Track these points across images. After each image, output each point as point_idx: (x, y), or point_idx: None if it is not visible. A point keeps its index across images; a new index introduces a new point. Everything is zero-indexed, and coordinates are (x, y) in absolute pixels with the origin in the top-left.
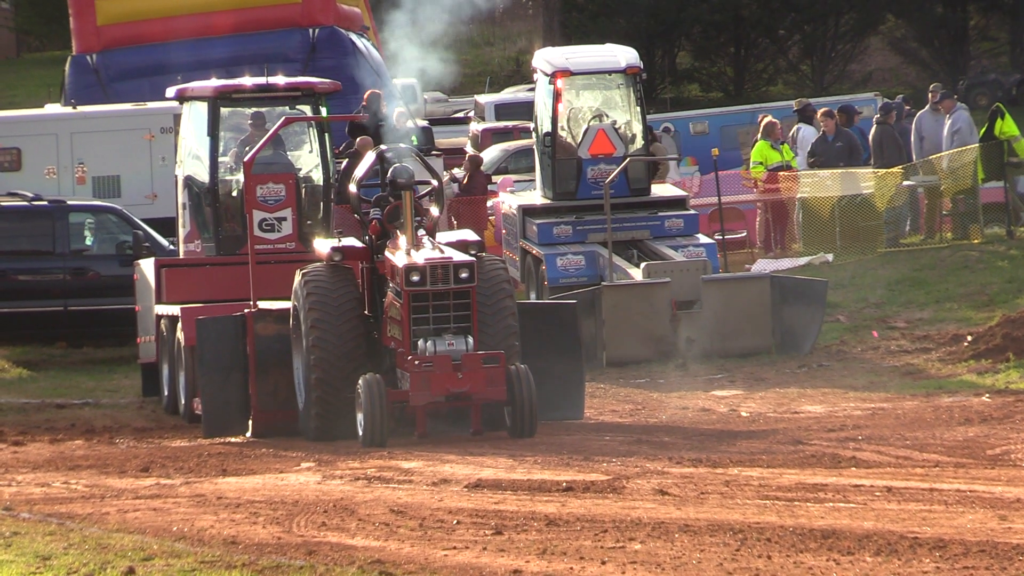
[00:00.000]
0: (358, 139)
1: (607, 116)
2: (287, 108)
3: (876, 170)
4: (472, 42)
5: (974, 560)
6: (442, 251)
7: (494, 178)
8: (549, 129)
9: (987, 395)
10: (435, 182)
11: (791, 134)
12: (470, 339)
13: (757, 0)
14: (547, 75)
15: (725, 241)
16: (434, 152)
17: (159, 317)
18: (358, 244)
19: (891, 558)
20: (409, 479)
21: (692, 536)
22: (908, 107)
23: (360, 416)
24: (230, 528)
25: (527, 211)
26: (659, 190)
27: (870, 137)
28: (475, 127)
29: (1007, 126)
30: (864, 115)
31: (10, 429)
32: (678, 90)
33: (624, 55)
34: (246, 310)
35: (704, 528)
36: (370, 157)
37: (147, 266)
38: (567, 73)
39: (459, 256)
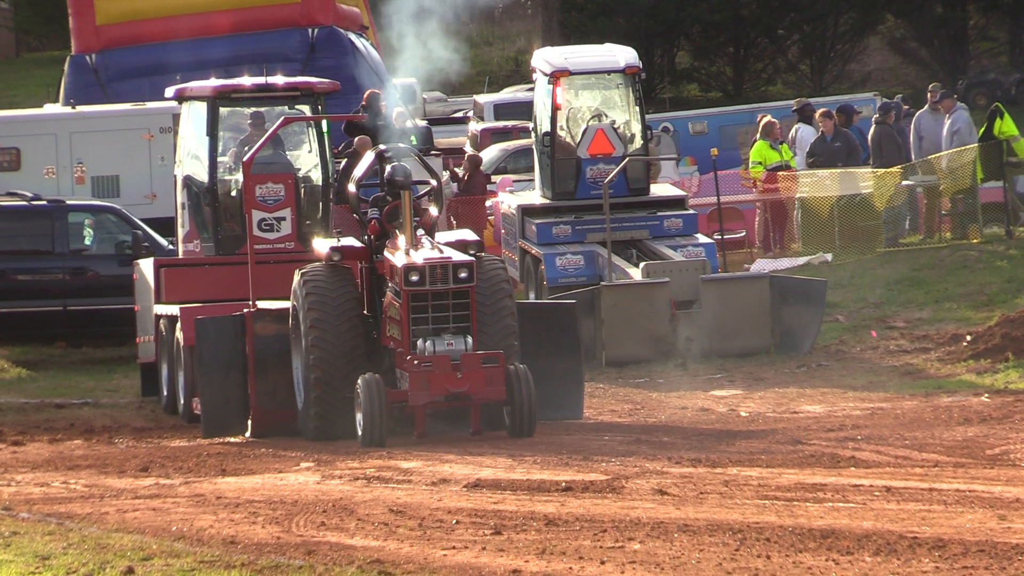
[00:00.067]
0: (356, 139)
1: (606, 116)
2: (286, 108)
3: (875, 170)
4: (471, 42)
5: (973, 560)
6: (441, 251)
7: (493, 178)
8: (548, 129)
9: (986, 395)
10: (434, 182)
11: (791, 135)
12: (469, 339)
13: (756, 0)
14: (546, 75)
15: (724, 241)
16: (433, 152)
17: (158, 317)
18: (357, 244)
19: (890, 558)
20: (408, 479)
21: (691, 536)
22: (907, 107)
23: (359, 416)
24: (229, 528)
25: (526, 211)
26: (658, 190)
27: (869, 137)
28: (474, 127)
29: (1006, 126)
30: (863, 115)
31: (9, 429)
32: (677, 90)
33: (623, 55)
34: (245, 310)
35: (703, 528)
36: (369, 157)
37: (146, 266)
38: (566, 73)
39: (458, 256)
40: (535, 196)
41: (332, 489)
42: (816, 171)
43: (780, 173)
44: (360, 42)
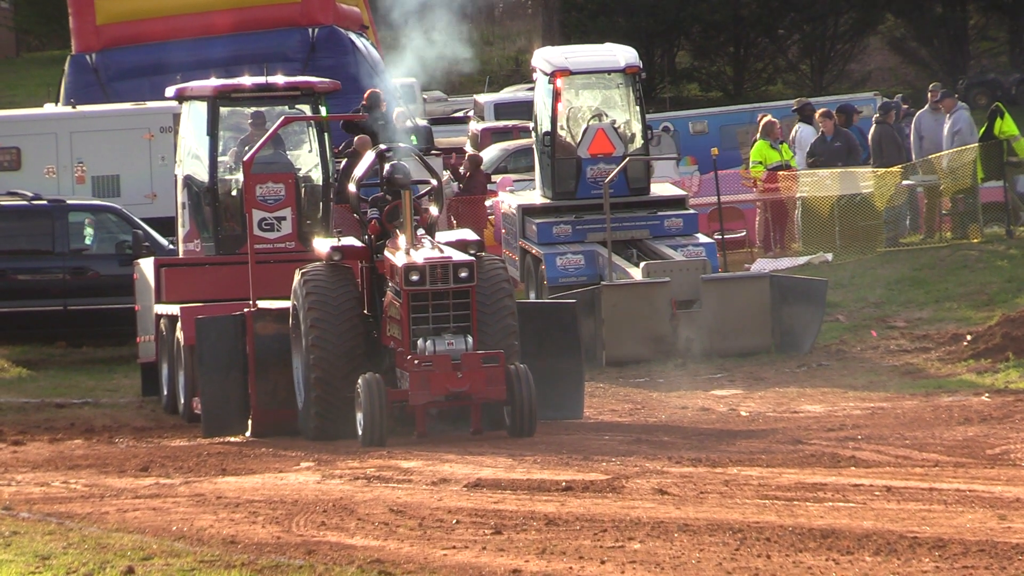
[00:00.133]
0: (356, 138)
1: (606, 115)
2: (286, 108)
3: (875, 170)
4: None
5: (973, 560)
6: (441, 251)
7: (493, 177)
8: (549, 129)
9: (987, 395)
10: (434, 181)
11: (791, 135)
12: (469, 339)
13: (756, 0)
14: (546, 74)
15: (724, 241)
16: (433, 152)
17: (158, 316)
18: (357, 243)
19: (890, 558)
20: (408, 479)
21: (691, 536)
22: (906, 107)
23: (359, 415)
24: (229, 527)
25: (526, 210)
26: (658, 190)
27: (869, 137)
28: (474, 126)
29: (1006, 125)
30: (864, 115)
31: (10, 428)
32: (677, 89)
33: (623, 54)
34: (246, 309)
35: (703, 527)
36: (369, 156)
37: (147, 265)
38: (566, 72)
39: (458, 256)
40: (535, 196)
41: (332, 489)
42: (816, 171)
43: (780, 173)
44: (360, 41)
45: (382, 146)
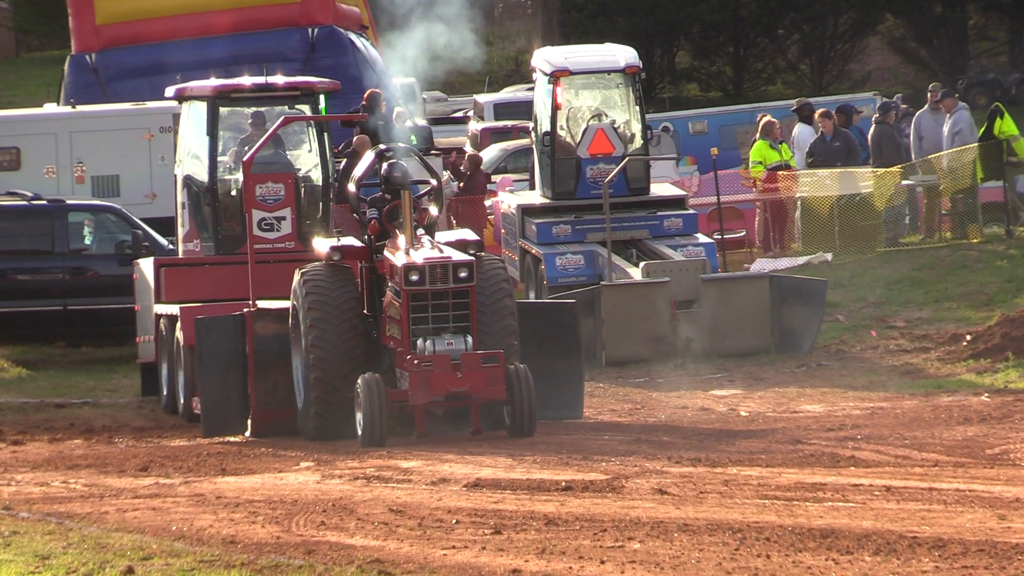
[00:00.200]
0: (355, 138)
1: (606, 115)
2: (286, 108)
3: (875, 170)
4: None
5: (973, 559)
6: (441, 251)
7: (493, 177)
8: (548, 129)
9: (986, 394)
10: (434, 181)
11: (792, 136)
12: (469, 338)
13: (756, 0)
14: (546, 74)
15: (724, 241)
16: (433, 152)
17: (158, 316)
18: (357, 243)
19: (890, 557)
20: (408, 478)
21: (691, 535)
22: (904, 106)
23: (359, 415)
24: (229, 527)
25: (526, 210)
26: (658, 190)
27: (869, 137)
28: (474, 126)
29: (1006, 125)
30: (864, 115)
31: (9, 428)
32: (677, 89)
33: (623, 54)
34: (245, 309)
35: (703, 527)
36: (369, 156)
37: (146, 265)
38: (566, 72)
39: (458, 255)
40: (535, 196)
41: (332, 489)
42: (816, 171)
43: (780, 173)
44: (360, 41)
45: (381, 146)
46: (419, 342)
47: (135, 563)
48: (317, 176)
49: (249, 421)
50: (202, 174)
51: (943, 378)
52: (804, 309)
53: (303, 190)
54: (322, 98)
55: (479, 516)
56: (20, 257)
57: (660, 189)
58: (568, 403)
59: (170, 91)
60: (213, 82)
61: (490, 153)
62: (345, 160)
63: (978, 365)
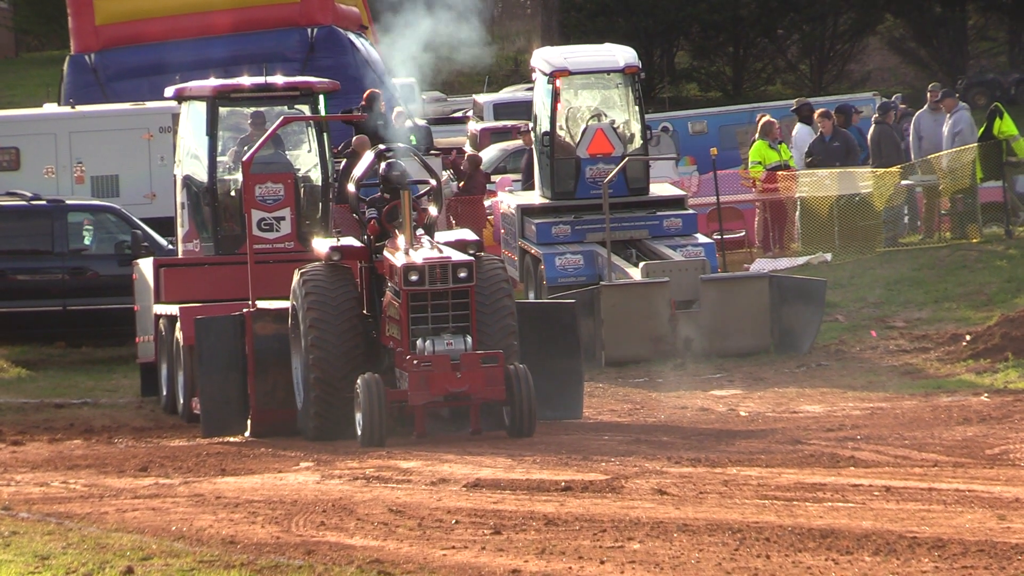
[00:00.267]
0: (354, 138)
1: (605, 116)
2: (286, 108)
3: (874, 170)
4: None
5: (973, 560)
6: (441, 251)
7: (492, 177)
8: (548, 129)
9: (986, 395)
10: (434, 181)
11: (791, 137)
12: (469, 339)
13: (756, 0)
14: (546, 75)
15: (724, 241)
16: (433, 152)
17: (158, 317)
18: (357, 243)
19: (890, 558)
20: (408, 479)
21: (691, 536)
22: (904, 106)
23: (359, 416)
24: (229, 528)
25: (526, 211)
26: (658, 190)
27: (868, 137)
28: (473, 126)
29: (1006, 126)
30: (864, 115)
31: (9, 429)
32: (677, 89)
33: (623, 55)
34: (245, 310)
35: (703, 528)
36: (369, 156)
37: (146, 266)
38: (566, 73)
39: (458, 256)
40: (534, 196)
41: (332, 489)
42: (816, 171)
43: (779, 173)
44: (359, 41)
45: (381, 146)
46: (418, 342)
47: (135, 563)
48: (316, 176)
49: (249, 421)
50: (201, 174)
51: (943, 378)
52: (804, 309)
53: (302, 190)
54: (322, 98)
55: (479, 516)
56: (20, 257)
57: (659, 189)
58: (568, 403)
59: (169, 91)
60: (212, 82)
61: (489, 153)
62: (345, 160)
63: (978, 365)
